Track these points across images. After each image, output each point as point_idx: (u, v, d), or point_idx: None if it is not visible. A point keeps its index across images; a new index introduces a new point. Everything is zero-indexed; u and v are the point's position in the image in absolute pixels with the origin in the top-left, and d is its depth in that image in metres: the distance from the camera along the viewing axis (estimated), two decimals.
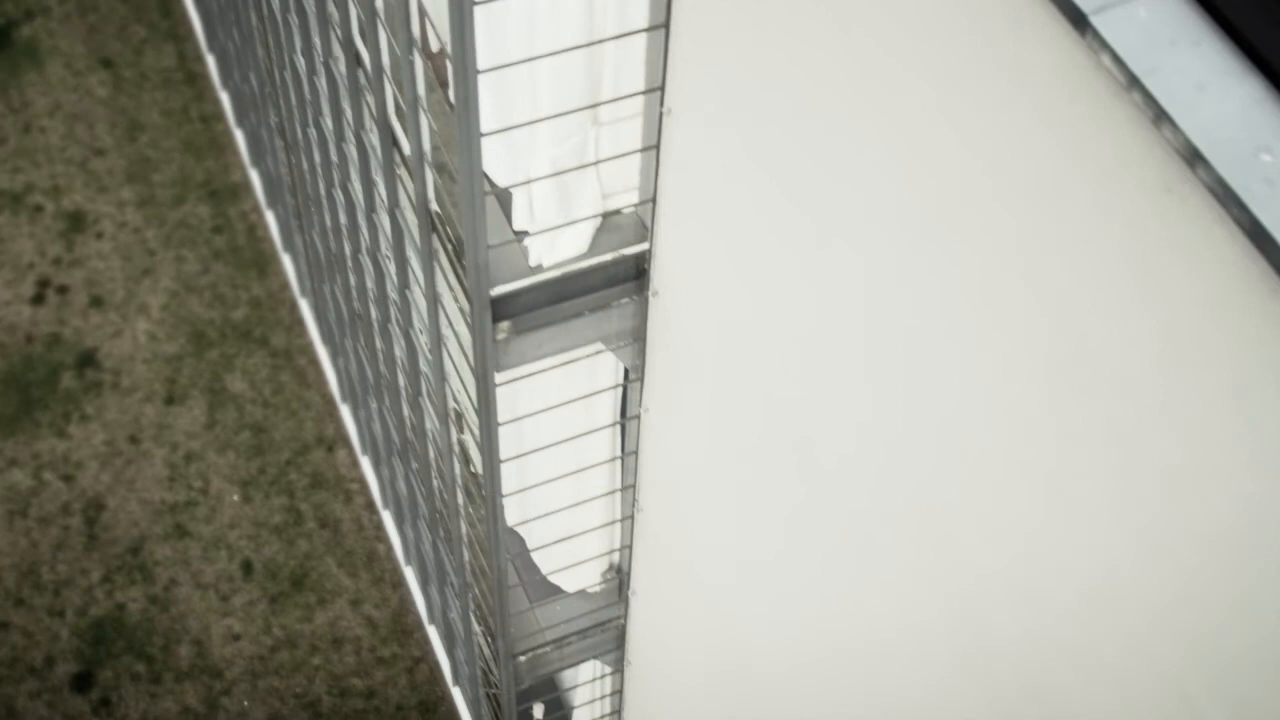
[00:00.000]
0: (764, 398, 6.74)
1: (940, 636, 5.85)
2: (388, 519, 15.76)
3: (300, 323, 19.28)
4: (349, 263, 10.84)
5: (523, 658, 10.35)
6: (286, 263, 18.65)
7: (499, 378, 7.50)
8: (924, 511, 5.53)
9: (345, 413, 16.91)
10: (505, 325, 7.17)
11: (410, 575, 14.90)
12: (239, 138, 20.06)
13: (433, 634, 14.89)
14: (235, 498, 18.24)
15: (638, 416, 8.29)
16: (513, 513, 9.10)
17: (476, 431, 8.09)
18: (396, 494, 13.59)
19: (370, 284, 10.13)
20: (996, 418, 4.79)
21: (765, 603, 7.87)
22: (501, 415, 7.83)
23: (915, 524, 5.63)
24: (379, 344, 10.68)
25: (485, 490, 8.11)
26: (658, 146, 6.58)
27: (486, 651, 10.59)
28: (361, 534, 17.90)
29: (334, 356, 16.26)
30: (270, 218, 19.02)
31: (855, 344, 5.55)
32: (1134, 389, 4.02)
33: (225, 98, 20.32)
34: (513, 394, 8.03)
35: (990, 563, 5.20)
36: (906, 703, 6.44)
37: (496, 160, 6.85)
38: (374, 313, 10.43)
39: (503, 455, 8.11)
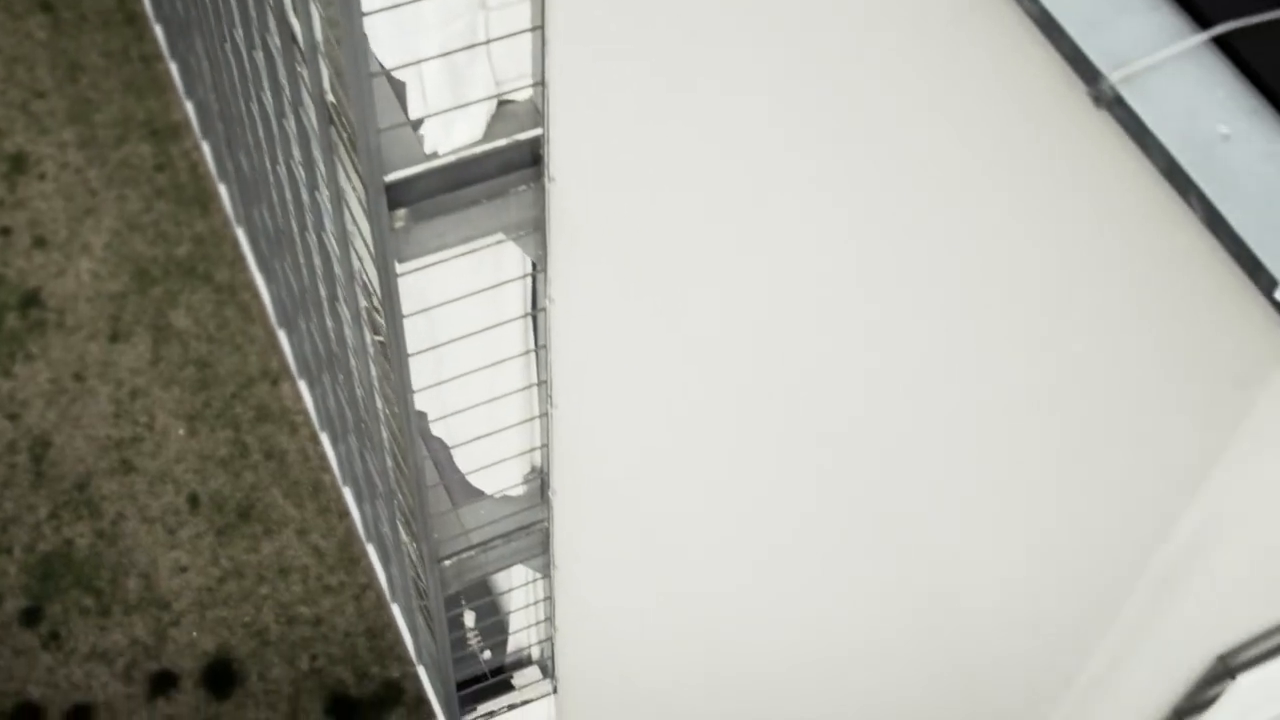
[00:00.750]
0: (667, 287, 6.77)
1: (842, 524, 5.91)
2: (325, 440, 15.84)
3: (243, 258, 19.29)
4: (270, 177, 10.89)
5: (448, 562, 10.45)
6: (223, 192, 18.65)
7: (400, 268, 7.57)
8: (827, 399, 5.59)
9: (282, 338, 16.95)
10: (402, 213, 7.24)
11: (349, 495, 14.99)
12: (173, 70, 20.03)
13: (371, 552, 15.01)
14: (181, 432, 18.29)
15: (544, 309, 8.36)
16: (430, 411, 9.17)
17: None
18: (329, 411, 13.67)
19: (288, 195, 10.19)
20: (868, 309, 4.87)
21: (684, 497, 7.91)
22: (407, 308, 7.90)
23: (822, 409, 5.70)
24: (300, 257, 10.74)
25: (394, 386, 8.20)
26: (543, 26, 6.63)
27: (414, 558, 10.70)
28: (307, 465, 17.97)
29: (269, 282, 16.30)
30: (206, 148, 19.02)
31: (757, 227, 5.58)
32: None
33: (159, 31, 20.28)
34: (420, 288, 8.10)
35: (888, 466, 5.28)
36: (823, 584, 6.52)
37: (385, 44, 6.90)
38: (294, 225, 10.49)
39: (411, 349, 8.19)
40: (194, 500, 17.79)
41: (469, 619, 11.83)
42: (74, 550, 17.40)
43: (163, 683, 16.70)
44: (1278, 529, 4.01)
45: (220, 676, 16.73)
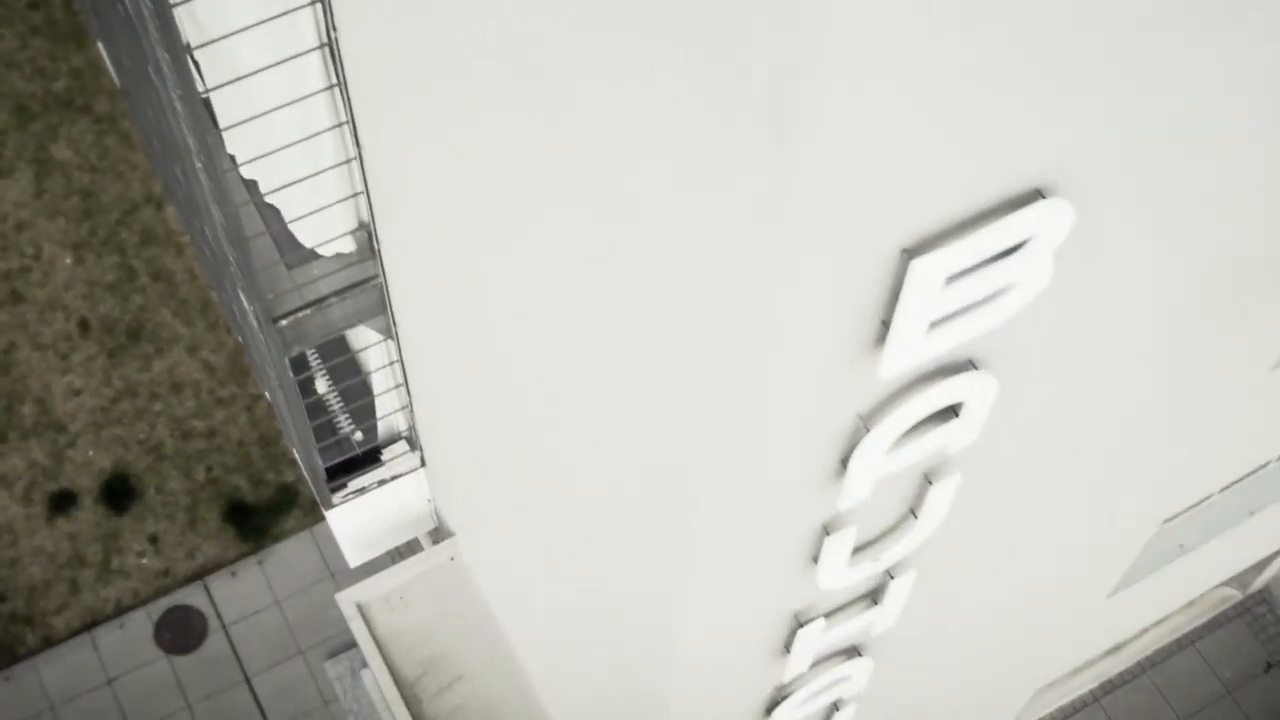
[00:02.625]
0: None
1: None
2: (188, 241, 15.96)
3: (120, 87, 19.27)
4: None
5: (284, 322, 10.64)
6: (96, 26, 18.58)
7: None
8: None
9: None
10: None
11: (214, 294, 15.16)
12: None
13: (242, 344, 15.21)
14: (68, 261, 18.39)
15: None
16: (241, 154, 9.28)
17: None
18: (175, 193, 13.77)
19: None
20: None
21: (526, 234, 7.95)
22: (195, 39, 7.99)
23: None
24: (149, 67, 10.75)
25: (190, 116, 8.30)
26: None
27: (255, 323, 10.88)
28: (195, 284, 18.13)
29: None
30: None
31: None
32: None
33: None
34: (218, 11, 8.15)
35: None
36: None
37: None
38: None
39: (210, 82, 8.28)
40: (84, 325, 17.94)
41: (321, 385, 12.03)
42: None
43: (62, 502, 16.96)
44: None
45: (118, 492, 17.00)
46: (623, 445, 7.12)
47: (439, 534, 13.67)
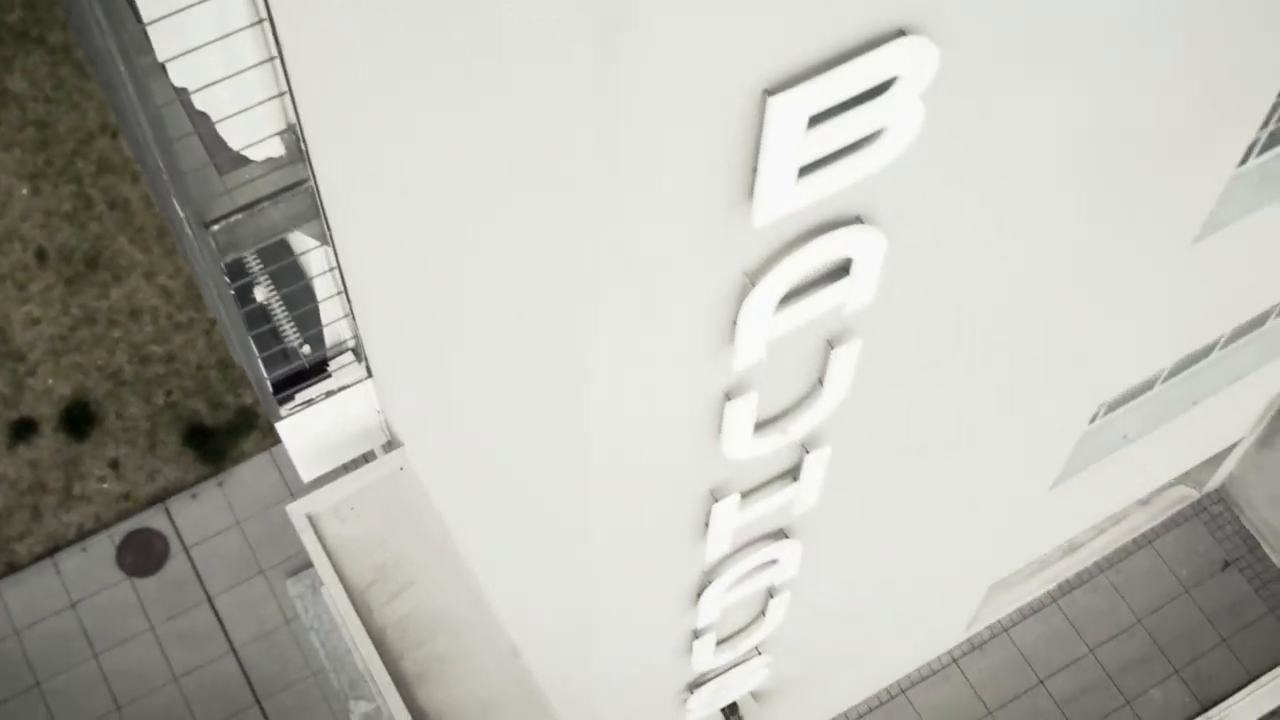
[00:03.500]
0: None
1: None
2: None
3: None
4: None
5: (216, 227, 10.63)
6: None
7: None
8: None
9: None
10: None
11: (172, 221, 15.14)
12: None
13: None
14: (24, 191, 18.34)
15: None
16: (164, 52, 9.24)
17: None
18: (121, 115, 13.73)
19: None
20: None
21: (436, 140, 7.92)
22: None
23: None
24: None
25: (106, 15, 8.28)
26: None
27: (189, 231, 10.87)
28: (151, 211, 18.09)
29: None
30: None
31: None
32: None
33: None
34: None
35: None
36: None
37: None
38: None
39: None
40: (41, 255, 17.91)
41: (260, 294, 12.03)
42: None
43: (23, 430, 16.99)
44: None
45: (78, 419, 17.03)
46: (526, 329, 7.16)
47: (392, 448, 13.72)
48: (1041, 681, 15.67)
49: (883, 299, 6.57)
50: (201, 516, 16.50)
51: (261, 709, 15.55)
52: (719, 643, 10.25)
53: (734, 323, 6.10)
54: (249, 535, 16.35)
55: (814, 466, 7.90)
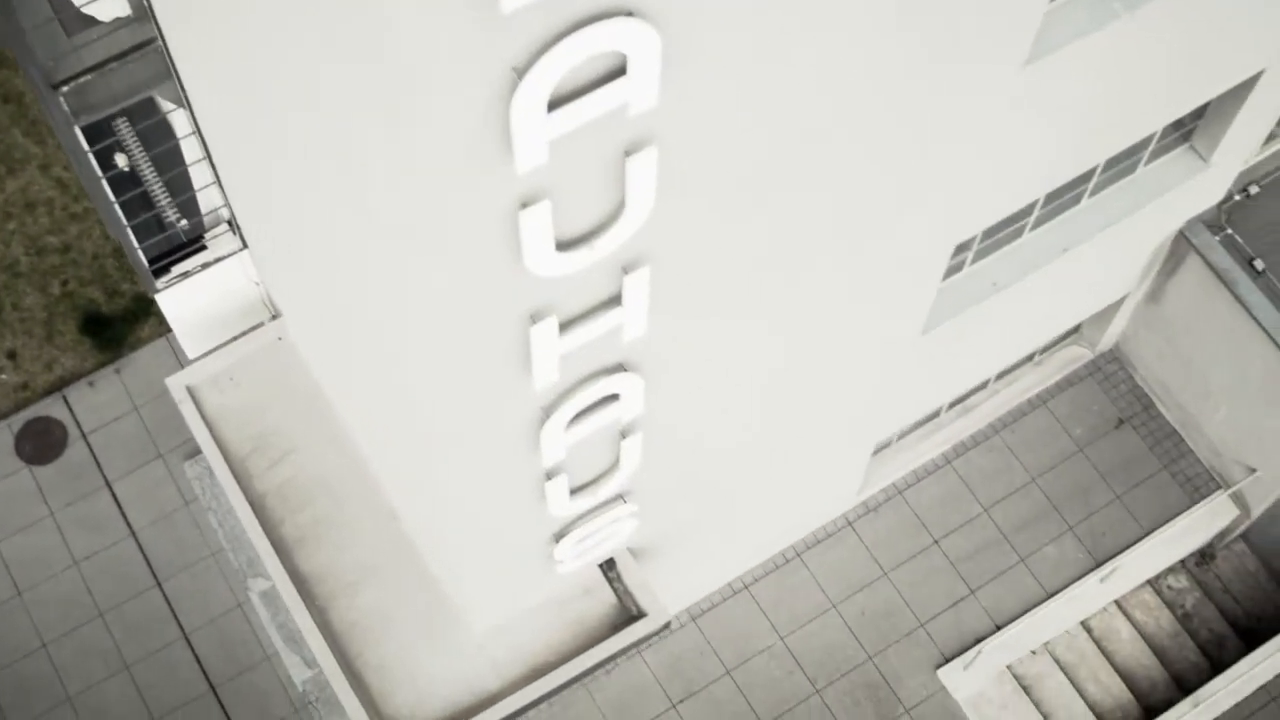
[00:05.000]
0: None
1: None
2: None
3: None
4: None
5: (65, 88, 10.56)
6: None
7: None
8: None
9: None
10: None
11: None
12: None
13: None
14: None
15: None
16: None
17: None
18: None
19: None
20: None
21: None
22: None
23: None
24: None
25: None
26: None
27: (43, 97, 10.80)
28: None
29: None
30: None
31: None
32: None
33: None
34: None
35: None
36: None
37: None
38: None
39: None
40: None
41: (121, 160, 11.97)
42: None
43: None
44: None
45: None
46: (352, 165, 7.16)
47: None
48: (936, 541, 15.84)
49: (672, 101, 6.57)
50: (100, 404, 16.49)
51: (162, 590, 15.62)
52: (577, 489, 10.32)
53: (508, 121, 6.11)
54: (147, 420, 16.35)
55: (635, 289, 7.91)
